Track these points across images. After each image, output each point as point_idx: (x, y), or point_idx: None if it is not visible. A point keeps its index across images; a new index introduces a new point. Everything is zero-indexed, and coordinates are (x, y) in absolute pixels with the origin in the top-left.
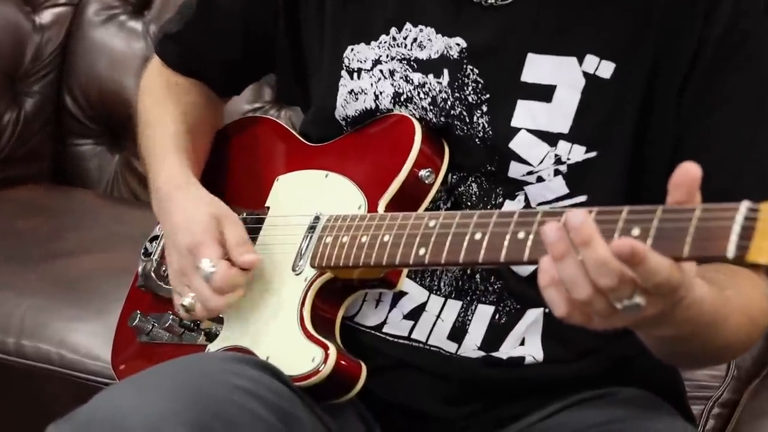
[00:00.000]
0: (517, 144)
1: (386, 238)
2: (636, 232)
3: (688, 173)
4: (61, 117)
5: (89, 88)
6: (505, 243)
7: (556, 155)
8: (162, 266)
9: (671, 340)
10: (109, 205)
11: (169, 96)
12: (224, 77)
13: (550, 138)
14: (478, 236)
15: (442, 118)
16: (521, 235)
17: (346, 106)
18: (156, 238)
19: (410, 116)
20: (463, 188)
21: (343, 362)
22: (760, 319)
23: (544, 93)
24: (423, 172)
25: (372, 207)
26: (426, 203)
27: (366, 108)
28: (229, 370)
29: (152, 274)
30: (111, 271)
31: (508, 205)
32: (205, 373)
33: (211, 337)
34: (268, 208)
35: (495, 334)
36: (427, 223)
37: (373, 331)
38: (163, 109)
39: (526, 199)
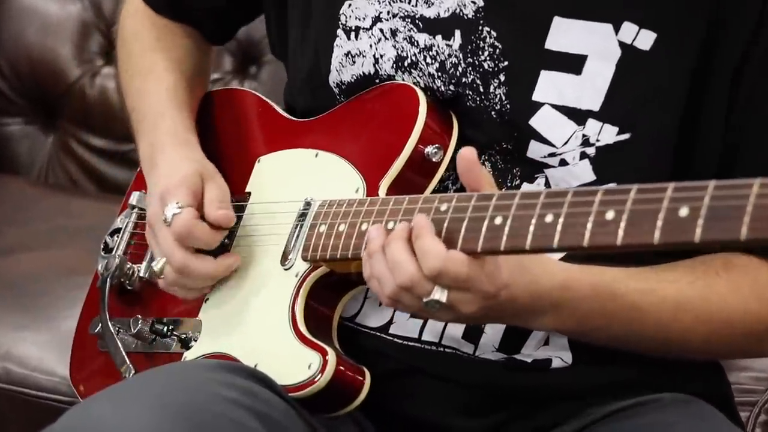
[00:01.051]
0: (538, 121)
1: (390, 225)
2: (684, 212)
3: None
4: None
5: (18, 58)
6: (531, 228)
7: (583, 136)
8: (127, 263)
9: (568, 332)
10: (47, 195)
11: (160, 41)
12: (212, 23)
13: (577, 116)
14: (498, 221)
15: (452, 87)
16: (549, 218)
17: (342, 71)
18: (117, 231)
19: (413, 85)
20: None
21: (343, 369)
22: (737, 323)
23: (572, 63)
24: (429, 149)
25: (372, 190)
26: (433, 185)
27: (364, 73)
28: (217, 379)
29: (116, 272)
30: (58, 271)
31: (526, 188)
32: (191, 383)
33: (187, 343)
34: (249, 194)
35: (514, 333)
36: (438, 207)
37: (377, 333)
38: (156, 56)
39: (547, 184)
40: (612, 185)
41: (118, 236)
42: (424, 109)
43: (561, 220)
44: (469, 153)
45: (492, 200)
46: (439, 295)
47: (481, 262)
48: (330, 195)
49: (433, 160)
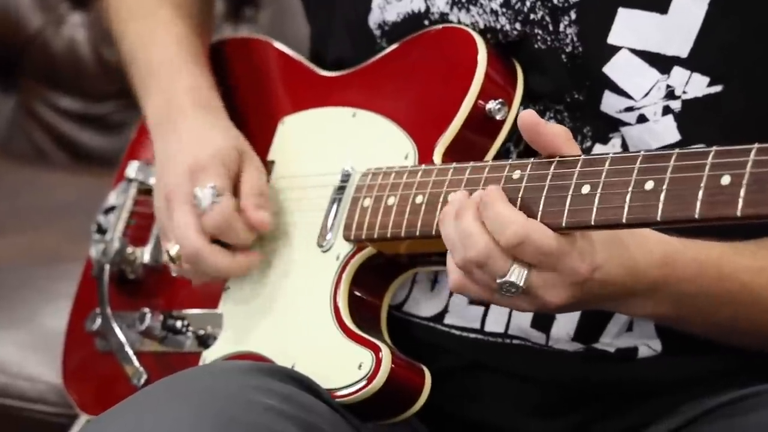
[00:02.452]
0: (614, 68)
1: (452, 197)
2: (726, 179)
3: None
4: None
5: None
6: (627, 197)
7: (667, 87)
8: (127, 247)
9: (664, 318)
10: (12, 169)
11: None
12: None
13: (661, 62)
14: (586, 189)
15: (518, 26)
16: (650, 185)
17: (386, 8)
18: (112, 209)
19: (469, 28)
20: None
21: (400, 368)
22: None
23: (656, 0)
24: (492, 105)
25: (425, 156)
26: (496, 147)
27: (412, 12)
28: (254, 385)
29: (116, 258)
30: (35, 258)
31: (599, 150)
32: (225, 391)
33: (205, 341)
34: (272, 162)
35: (592, 318)
36: (509, 175)
37: (430, 324)
38: None
39: (623, 145)
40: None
41: (113, 214)
42: (484, 57)
43: (664, 187)
44: (529, 116)
45: (576, 165)
46: (517, 275)
47: (572, 238)
48: (373, 162)
49: (497, 117)
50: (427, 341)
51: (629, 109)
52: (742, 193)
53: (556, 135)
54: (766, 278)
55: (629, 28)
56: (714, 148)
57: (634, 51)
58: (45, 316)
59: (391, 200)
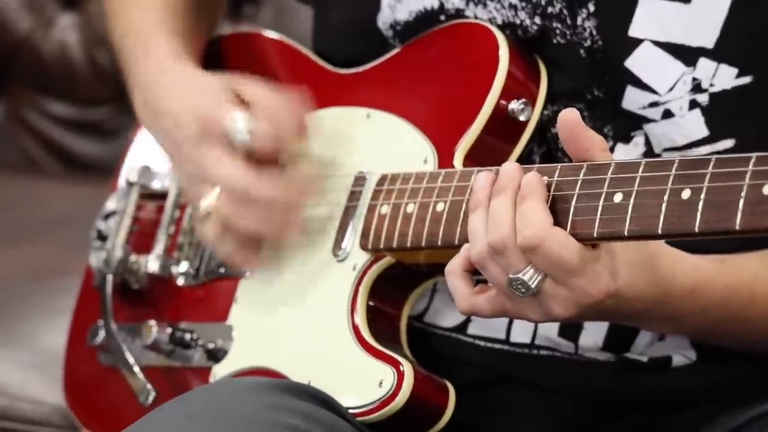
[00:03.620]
0: (637, 61)
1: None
2: None
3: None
4: None
5: None
6: (663, 207)
7: (693, 79)
8: (131, 255)
9: (691, 336)
10: (3, 179)
11: None
12: None
13: (686, 54)
14: (618, 198)
15: (537, 20)
16: (686, 193)
17: (397, 7)
18: (112, 214)
19: (489, 24)
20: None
21: (423, 385)
22: None
23: None
24: (514, 105)
25: (445, 160)
26: (519, 150)
27: (425, 9)
28: (274, 404)
29: (119, 268)
30: (31, 273)
31: (621, 150)
32: (247, 411)
33: (215, 355)
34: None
35: (622, 328)
36: None
37: (453, 334)
38: None
39: (647, 143)
40: (725, 144)
41: (113, 219)
42: (506, 54)
43: (702, 196)
44: (571, 115)
45: (608, 172)
46: (530, 275)
47: (595, 256)
48: (390, 167)
49: (520, 118)
50: (449, 353)
51: (654, 104)
52: None
53: (593, 142)
54: None
55: (651, 18)
56: (755, 154)
57: (656, 43)
58: (45, 333)
59: (410, 207)
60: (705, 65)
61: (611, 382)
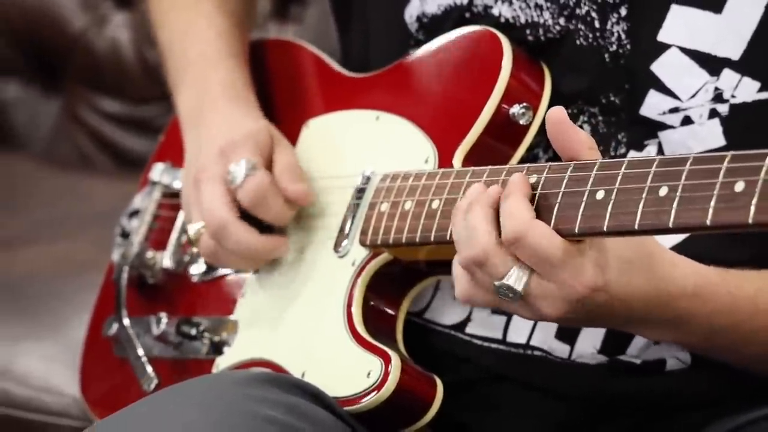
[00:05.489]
0: (662, 66)
1: (468, 191)
2: (740, 186)
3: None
4: None
5: (9, 3)
6: (641, 204)
7: (715, 89)
8: (148, 251)
9: (698, 350)
10: (54, 174)
11: None
12: None
13: (711, 63)
14: (600, 195)
15: (562, 21)
16: (664, 191)
17: (426, 1)
18: (136, 213)
19: (494, 30)
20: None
21: (410, 378)
22: None
23: None
24: (515, 109)
25: (445, 160)
26: (520, 153)
27: (455, 4)
28: (255, 396)
29: (135, 262)
30: (65, 268)
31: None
32: (223, 402)
33: (219, 347)
34: None
35: (619, 331)
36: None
37: (451, 332)
38: None
39: (660, 152)
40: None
41: (137, 218)
42: (509, 59)
43: (678, 193)
44: (558, 113)
45: (593, 170)
46: (515, 278)
47: (581, 250)
48: (394, 166)
49: (521, 122)
50: (447, 350)
51: (674, 110)
52: (754, 200)
53: (580, 141)
54: None
55: (681, 25)
56: (730, 153)
57: (684, 50)
58: (71, 327)
59: (408, 205)
60: (729, 76)
61: (603, 384)
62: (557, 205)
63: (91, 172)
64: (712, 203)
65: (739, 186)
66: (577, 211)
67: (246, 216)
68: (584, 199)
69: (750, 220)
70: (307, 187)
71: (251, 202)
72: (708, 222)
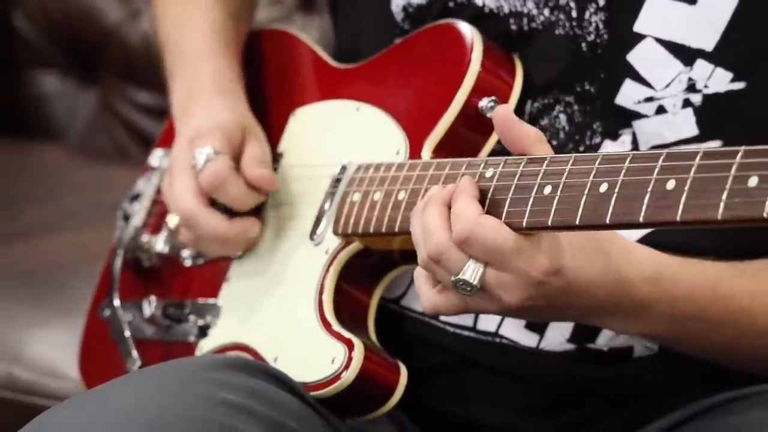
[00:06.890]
0: (637, 56)
1: (428, 193)
2: (671, 184)
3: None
4: (12, 43)
5: (49, 0)
6: (583, 199)
7: (689, 80)
8: (142, 234)
9: (664, 341)
10: (85, 165)
11: None
12: None
13: (685, 54)
14: (548, 190)
15: (546, 11)
16: (604, 187)
17: None
18: (137, 197)
19: (466, 24)
20: (546, 121)
21: (373, 364)
22: None
23: None
24: (484, 103)
25: (415, 152)
26: (490, 146)
27: None
28: (217, 380)
29: (130, 245)
30: (84, 257)
31: (609, 147)
32: (183, 385)
33: (204, 331)
34: (281, 154)
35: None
36: (483, 172)
37: (425, 319)
38: None
39: (634, 141)
40: (679, 148)
41: (138, 202)
42: (479, 53)
43: (616, 190)
44: (503, 111)
45: (543, 165)
46: (471, 272)
47: (534, 239)
48: (369, 157)
49: (488, 115)
50: (420, 336)
51: (649, 99)
52: (683, 199)
53: (526, 135)
54: (763, 302)
55: (657, 16)
56: (665, 151)
57: (659, 40)
58: (82, 314)
59: (377, 195)
60: (702, 67)
61: (571, 371)
62: (508, 199)
63: (123, 163)
64: (646, 200)
65: (671, 184)
66: (526, 206)
67: (219, 204)
68: (533, 194)
69: (678, 218)
70: (270, 173)
71: (210, 185)
72: (641, 219)
